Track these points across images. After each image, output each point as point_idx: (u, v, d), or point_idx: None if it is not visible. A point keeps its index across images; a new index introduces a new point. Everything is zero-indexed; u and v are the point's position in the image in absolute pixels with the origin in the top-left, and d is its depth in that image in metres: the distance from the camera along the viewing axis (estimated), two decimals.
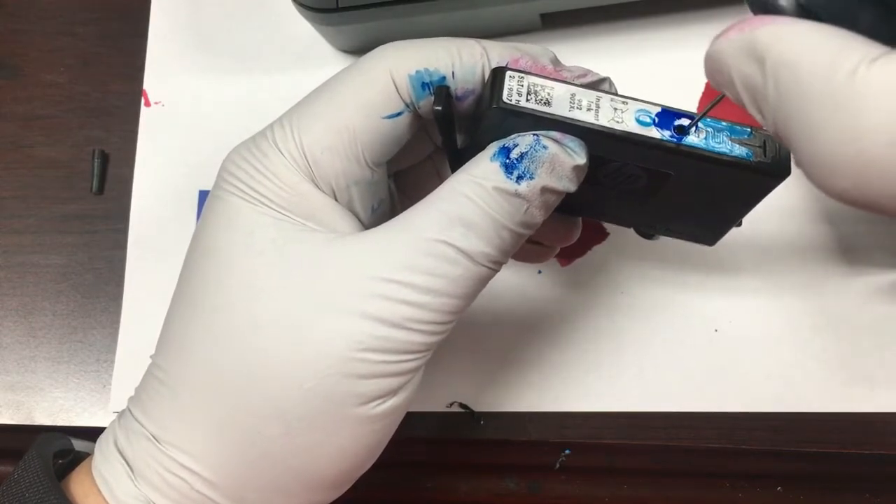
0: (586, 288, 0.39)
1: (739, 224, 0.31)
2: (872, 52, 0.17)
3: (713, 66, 0.21)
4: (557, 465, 0.37)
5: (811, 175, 0.19)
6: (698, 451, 0.37)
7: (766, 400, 0.37)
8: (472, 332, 0.38)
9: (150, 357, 0.28)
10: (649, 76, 0.41)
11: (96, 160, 0.42)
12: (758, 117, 0.20)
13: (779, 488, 0.37)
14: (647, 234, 0.33)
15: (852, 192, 0.18)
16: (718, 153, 0.26)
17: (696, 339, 0.38)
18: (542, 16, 0.40)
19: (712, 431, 0.37)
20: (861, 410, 0.37)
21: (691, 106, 0.39)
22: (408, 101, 0.27)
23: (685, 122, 0.26)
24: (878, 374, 0.37)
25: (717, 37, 0.21)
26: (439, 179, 0.32)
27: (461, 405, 0.38)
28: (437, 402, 0.38)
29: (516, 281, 0.39)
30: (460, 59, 0.27)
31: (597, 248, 0.33)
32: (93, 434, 0.29)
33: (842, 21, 0.19)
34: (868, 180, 0.17)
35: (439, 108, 0.26)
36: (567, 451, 0.37)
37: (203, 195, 0.41)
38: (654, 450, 0.37)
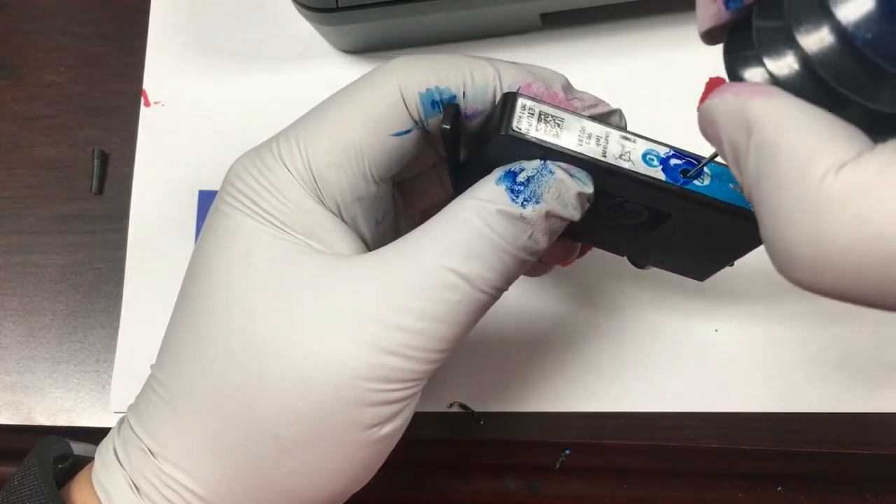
0: (586, 288, 0.39)
1: (731, 264, 0.31)
2: (847, 153, 0.18)
3: (705, 120, 0.21)
4: (557, 465, 0.37)
5: (769, 254, 0.19)
6: (698, 451, 0.37)
7: (766, 400, 0.37)
8: (473, 333, 0.38)
9: (151, 367, 0.28)
10: (649, 76, 0.41)
11: (96, 160, 0.42)
12: (738, 177, 0.21)
13: (779, 488, 0.37)
14: (640, 264, 0.33)
15: (806, 282, 0.19)
16: (721, 200, 0.26)
17: (696, 339, 0.38)
18: (542, 16, 0.40)
19: (712, 431, 0.37)
20: (861, 410, 0.37)
21: (690, 107, 0.38)
22: (417, 118, 0.26)
23: (691, 165, 0.26)
24: (878, 374, 0.37)
25: (714, 93, 0.21)
26: (443, 188, 0.32)
27: (461, 405, 0.38)
28: (438, 402, 0.38)
29: (517, 281, 0.38)
30: (472, 80, 0.26)
31: (598, 249, 0.33)
32: (93, 435, 0.29)
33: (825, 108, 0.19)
34: (821, 277, 0.18)
35: (447, 126, 0.26)
36: (567, 451, 0.37)
37: (203, 195, 0.41)
38: (654, 450, 0.37)
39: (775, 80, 0.20)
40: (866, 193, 0.17)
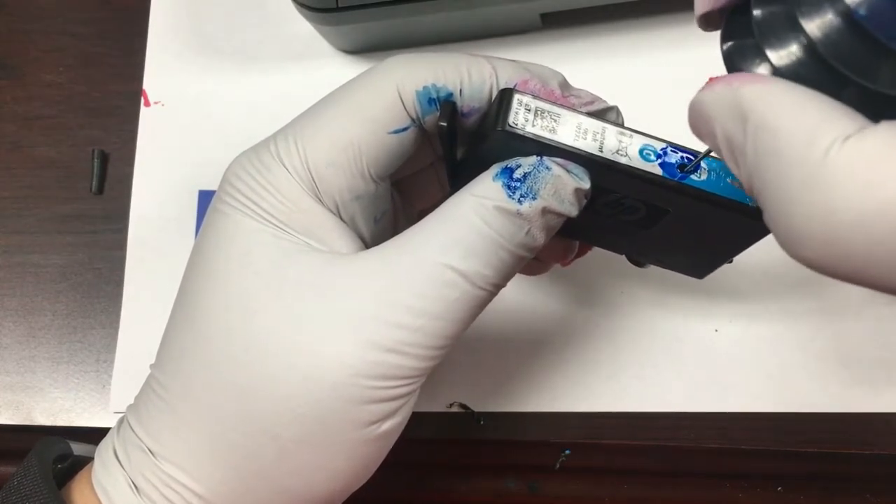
0: (586, 288, 0.39)
1: (730, 261, 0.31)
2: (849, 127, 0.17)
3: (696, 116, 0.21)
4: (557, 465, 0.37)
5: (777, 237, 0.19)
6: (698, 451, 0.37)
7: (766, 400, 0.37)
8: (473, 333, 0.38)
9: (150, 367, 0.28)
10: (649, 76, 0.41)
11: (96, 160, 0.42)
12: (734, 170, 0.20)
13: (779, 488, 0.37)
14: (639, 262, 0.33)
15: (815, 262, 0.18)
16: (718, 195, 0.26)
17: (696, 339, 0.38)
18: (542, 16, 0.40)
19: (712, 431, 0.37)
20: (861, 410, 0.37)
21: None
22: (414, 116, 0.26)
23: (689, 160, 0.26)
24: (879, 374, 0.37)
25: (703, 87, 0.21)
26: (441, 187, 0.32)
27: (461, 405, 0.38)
28: (437, 402, 0.38)
29: (516, 281, 0.38)
30: (469, 77, 0.26)
31: (597, 248, 0.33)
32: (92, 435, 0.29)
33: (824, 91, 0.19)
34: (831, 255, 0.18)
35: (444, 123, 0.26)
36: (567, 451, 0.37)
37: (203, 195, 0.41)
38: (654, 450, 0.37)
39: (775, 67, 0.20)
40: (875, 162, 0.17)
